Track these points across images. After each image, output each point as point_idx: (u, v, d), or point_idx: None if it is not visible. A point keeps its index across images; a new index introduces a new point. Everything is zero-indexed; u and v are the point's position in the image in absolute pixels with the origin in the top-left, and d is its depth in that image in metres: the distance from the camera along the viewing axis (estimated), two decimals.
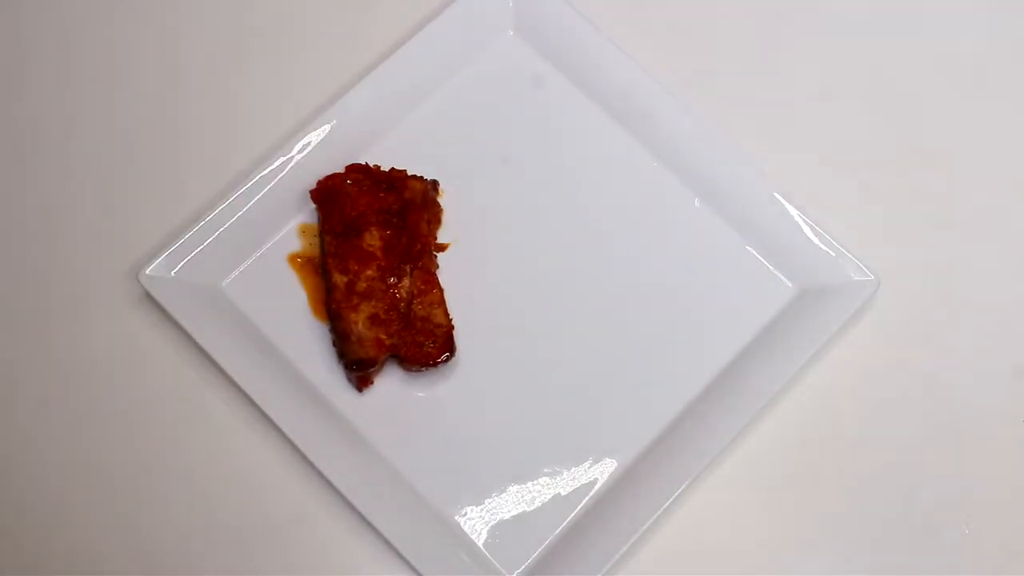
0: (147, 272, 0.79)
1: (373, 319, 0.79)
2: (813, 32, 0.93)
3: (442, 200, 0.86)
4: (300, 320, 0.83)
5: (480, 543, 0.79)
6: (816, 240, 0.83)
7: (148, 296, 0.80)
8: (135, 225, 0.85)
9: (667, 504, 0.76)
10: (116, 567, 0.79)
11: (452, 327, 0.81)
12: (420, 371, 0.80)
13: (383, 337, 0.79)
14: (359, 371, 0.79)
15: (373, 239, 0.80)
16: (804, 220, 0.83)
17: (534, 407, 0.82)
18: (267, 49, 0.90)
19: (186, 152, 0.87)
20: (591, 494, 0.80)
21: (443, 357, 0.80)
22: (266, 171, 0.82)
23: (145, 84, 0.89)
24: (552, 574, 0.77)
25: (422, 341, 0.79)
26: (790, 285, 0.85)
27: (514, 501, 0.80)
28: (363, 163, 0.84)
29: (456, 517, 0.79)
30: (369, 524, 0.76)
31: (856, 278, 0.82)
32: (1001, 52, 0.93)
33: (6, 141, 0.88)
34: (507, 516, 0.79)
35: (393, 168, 0.83)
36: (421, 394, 0.82)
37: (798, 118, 0.90)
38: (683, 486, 0.77)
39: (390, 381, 0.82)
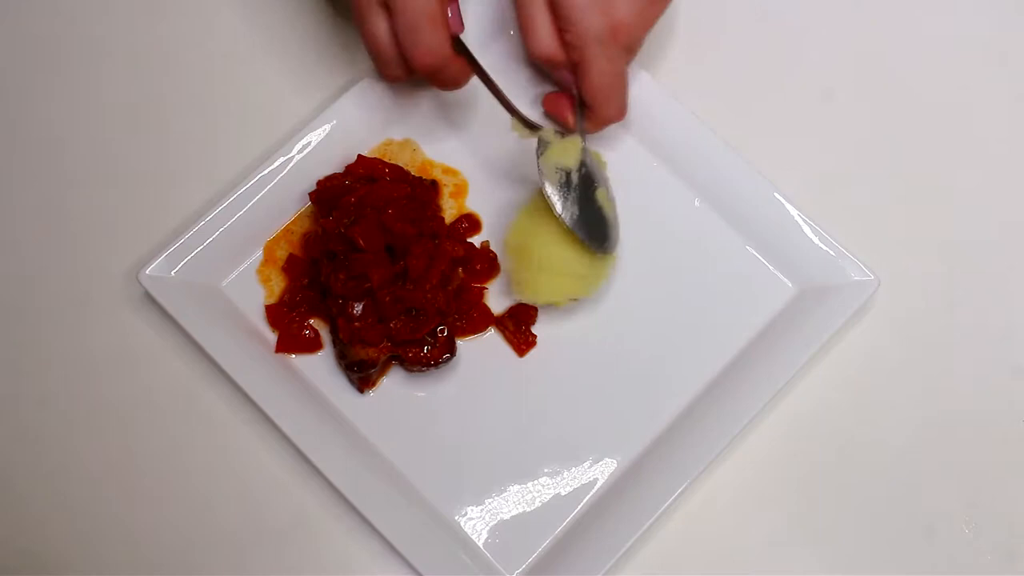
0: (147, 272, 0.79)
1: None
2: (814, 33, 0.93)
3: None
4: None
5: (480, 543, 0.79)
6: (816, 240, 0.83)
7: (148, 296, 0.80)
8: (135, 225, 0.85)
9: (667, 504, 0.76)
10: (116, 567, 0.79)
11: (453, 331, 0.81)
12: (421, 372, 0.80)
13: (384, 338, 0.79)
14: (360, 372, 0.79)
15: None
16: (804, 220, 0.83)
17: (534, 407, 0.82)
18: (268, 49, 0.90)
19: (186, 152, 0.87)
20: (591, 494, 0.80)
21: (444, 358, 0.80)
22: (266, 171, 0.82)
23: (146, 84, 0.89)
24: (552, 574, 0.77)
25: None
26: (790, 285, 0.85)
27: (514, 501, 0.80)
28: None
29: (456, 517, 0.79)
30: (369, 524, 0.76)
31: (856, 278, 0.82)
32: (1002, 52, 0.94)
33: (6, 142, 0.88)
34: (507, 516, 0.79)
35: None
36: (422, 394, 0.82)
37: (798, 118, 0.90)
38: (683, 486, 0.77)
39: (391, 381, 0.82)
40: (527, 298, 0.82)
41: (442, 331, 0.80)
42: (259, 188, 0.82)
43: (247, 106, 0.89)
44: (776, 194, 0.84)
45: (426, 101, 0.87)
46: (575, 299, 0.82)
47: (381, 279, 0.77)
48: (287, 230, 0.84)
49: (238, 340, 0.80)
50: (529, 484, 0.80)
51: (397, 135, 0.87)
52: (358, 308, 0.78)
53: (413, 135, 0.87)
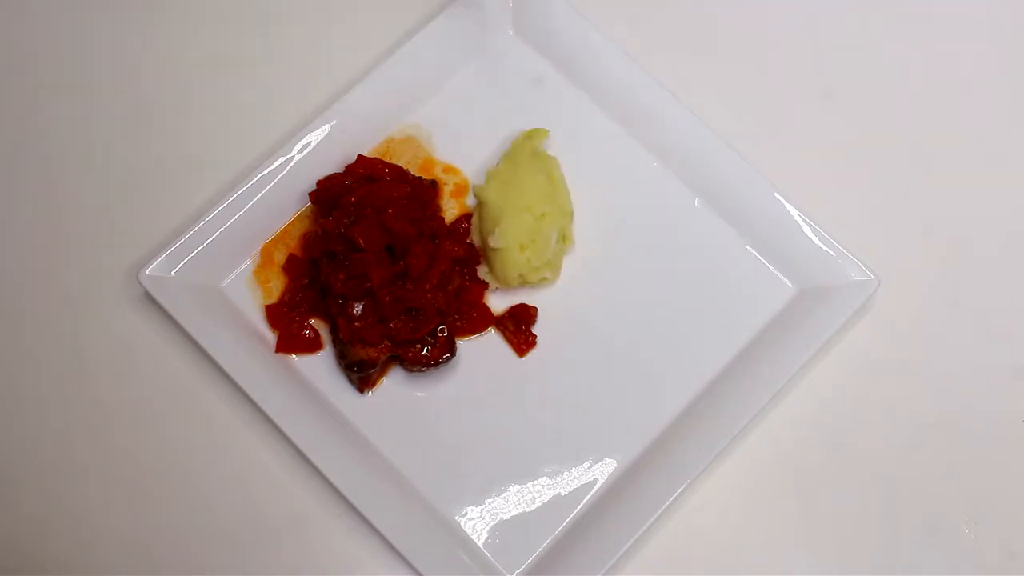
0: (147, 272, 0.79)
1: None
2: (814, 32, 0.93)
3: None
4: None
5: (480, 543, 0.79)
6: (816, 240, 0.83)
7: (148, 296, 0.80)
8: (135, 225, 0.85)
9: (667, 504, 0.76)
10: (116, 567, 0.79)
11: (454, 331, 0.81)
12: (421, 372, 0.80)
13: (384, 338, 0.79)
14: (360, 372, 0.79)
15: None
16: (804, 220, 0.83)
17: (534, 407, 0.82)
18: (267, 50, 0.90)
19: (186, 152, 0.87)
20: (591, 494, 0.80)
21: (444, 358, 0.80)
22: (266, 171, 0.82)
23: (145, 85, 0.89)
24: (552, 574, 0.77)
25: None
26: (790, 285, 0.85)
27: (514, 501, 0.80)
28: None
29: (456, 517, 0.79)
30: (369, 524, 0.76)
31: (856, 278, 0.82)
32: (1002, 52, 0.93)
33: (7, 142, 0.88)
34: (507, 516, 0.79)
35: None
36: (422, 394, 0.82)
37: (798, 118, 0.90)
38: (683, 486, 0.77)
39: (391, 381, 0.82)
40: (499, 282, 0.83)
41: (442, 331, 0.80)
42: (259, 188, 0.82)
43: (247, 106, 0.89)
44: (776, 194, 0.84)
45: (429, 99, 0.88)
46: (544, 276, 0.83)
47: (381, 279, 0.77)
48: (284, 232, 0.84)
49: (238, 340, 0.80)
50: (529, 484, 0.80)
51: (398, 135, 0.87)
52: (358, 308, 0.78)
53: (415, 135, 0.87)
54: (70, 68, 0.89)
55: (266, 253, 0.84)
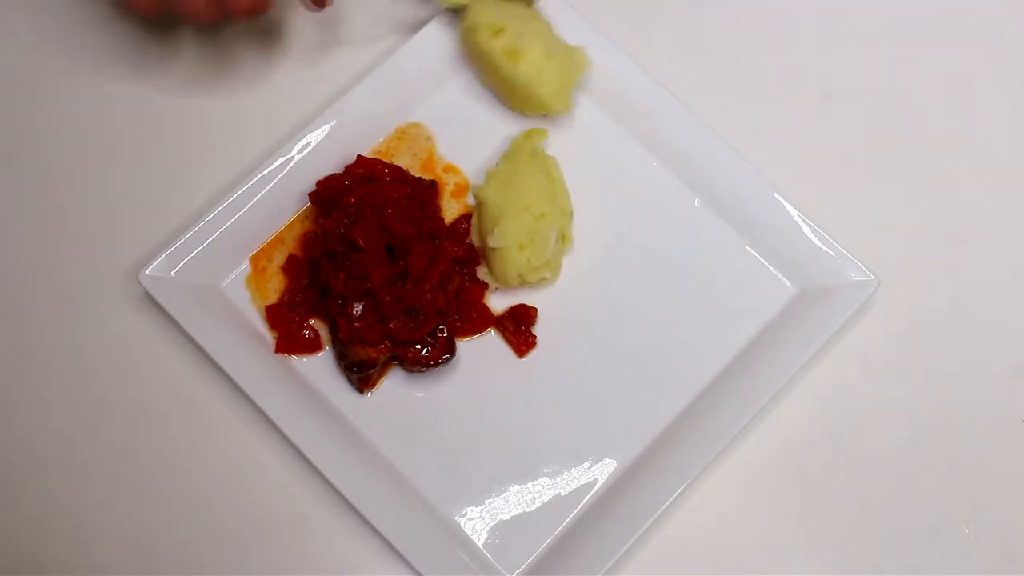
0: (147, 272, 0.79)
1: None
2: (814, 33, 0.93)
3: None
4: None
5: (480, 543, 0.79)
6: (816, 240, 0.83)
7: (148, 296, 0.80)
8: (135, 225, 0.85)
9: (667, 504, 0.76)
10: (116, 567, 0.79)
11: (452, 332, 0.81)
12: (421, 372, 0.80)
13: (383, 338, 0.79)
14: (360, 373, 0.79)
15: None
16: (804, 220, 0.83)
17: (534, 407, 0.82)
18: (266, 51, 0.90)
19: (187, 152, 0.87)
20: (591, 494, 0.80)
21: (443, 358, 0.80)
22: (266, 171, 0.82)
23: (145, 84, 0.89)
24: (552, 574, 0.77)
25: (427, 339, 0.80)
26: (790, 285, 0.85)
27: (514, 501, 0.80)
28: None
29: (456, 517, 0.79)
30: (369, 524, 0.76)
31: (856, 278, 0.82)
32: (1002, 51, 0.93)
33: (7, 142, 0.88)
34: (507, 516, 0.79)
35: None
36: (421, 394, 0.82)
37: (798, 118, 0.90)
38: (683, 486, 0.77)
39: (391, 381, 0.82)
40: (498, 282, 0.83)
41: (442, 331, 0.80)
42: (259, 188, 0.82)
43: (247, 106, 0.89)
44: (776, 194, 0.84)
45: (429, 98, 0.88)
46: (543, 276, 0.83)
47: (381, 279, 0.77)
48: (278, 239, 0.84)
49: (238, 340, 0.80)
50: (529, 484, 0.80)
51: (398, 134, 0.87)
52: (358, 308, 0.78)
53: (416, 134, 0.87)
54: (70, 68, 0.89)
55: (254, 261, 0.83)
